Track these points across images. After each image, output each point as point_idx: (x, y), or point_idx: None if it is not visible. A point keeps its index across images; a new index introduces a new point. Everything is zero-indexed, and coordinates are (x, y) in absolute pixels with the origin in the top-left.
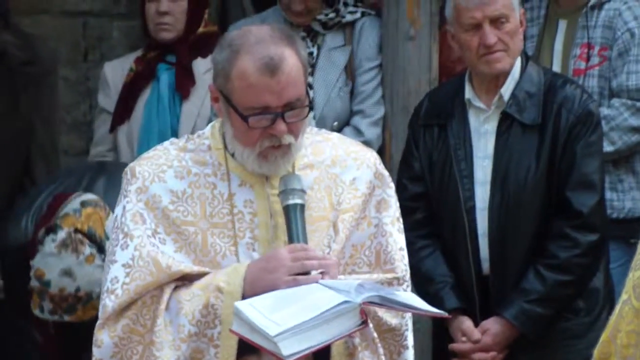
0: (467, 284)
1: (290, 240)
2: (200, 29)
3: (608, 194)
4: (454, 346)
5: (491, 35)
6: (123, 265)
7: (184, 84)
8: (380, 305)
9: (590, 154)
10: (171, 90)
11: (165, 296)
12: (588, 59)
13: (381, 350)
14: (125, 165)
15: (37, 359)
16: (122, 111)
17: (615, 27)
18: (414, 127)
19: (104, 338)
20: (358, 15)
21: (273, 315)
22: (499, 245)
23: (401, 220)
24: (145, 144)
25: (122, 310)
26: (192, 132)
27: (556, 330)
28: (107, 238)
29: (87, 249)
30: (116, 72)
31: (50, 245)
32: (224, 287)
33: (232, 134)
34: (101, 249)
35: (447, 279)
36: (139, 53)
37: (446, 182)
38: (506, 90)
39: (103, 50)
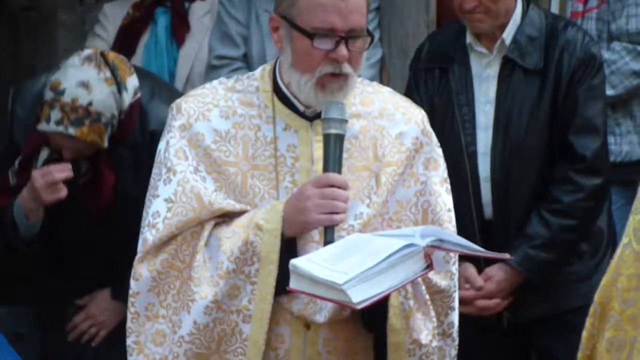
0: (470, 229)
1: (325, 169)
2: None
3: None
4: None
5: (469, 0)
6: (165, 200)
7: (178, 30)
8: (442, 248)
9: (592, 97)
10: (168, 33)
11: (206, 233)
12: (586, 2)
13: (432, 313)
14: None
15: None
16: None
17: None
18: (414, 70)
19: (142, 271)
20: None
21: (336, 265)
22: (502, 189)
23: (448, 181)
24: None
25: (162, 244)
26: (190, 76)
27: (561, 275)
28: (125, 88)
29: (108, 72)
30: (115, 13)
31: (74, 59)
32: (263, 224)
33: (291, 61)
34: (119, 87)
35: None
36: None
37: (448, 126)
38: (508, 34)
39: None
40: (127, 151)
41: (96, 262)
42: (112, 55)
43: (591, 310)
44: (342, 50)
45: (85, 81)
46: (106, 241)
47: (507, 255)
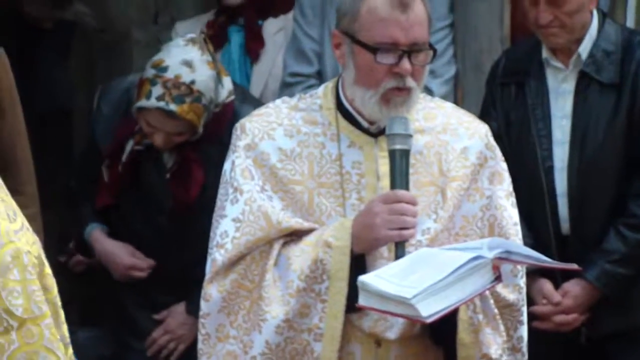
0: (546, 245)
1: (392, 185)
2: None
3: None
4: (535, 309)
5: (545, 14)
6: (233, 220)
7: (253, 47)
8: (510, 260)
9: None
10: (242, 51)
11: (274, 252)
12: None
13: (502, 327)
14: None
15: None
16: None
17: None
18: (491, 86)
19: (212, 292)
20: None
21: (404, 281)
22: (579, 204)
23: (514, 195)
24: None
25: (231, 264)
26: (263, 92)
27: (637, 290)
28: (223, 84)
29: (211, 57)
30: (188, 32)
31: (178, 40)
32: (333, 242)
33: (354, 78)
34: (219, 78)
35: (525, 240)
36: (210, 17)
37: (524, 141)
38: (584, 49)
39: (172, 12)
40: (216, 151)
41: (172, 271)
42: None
43: None
44: (405, 64)
45: (189, 60)
46: (184, 245)
47: (575, 266)
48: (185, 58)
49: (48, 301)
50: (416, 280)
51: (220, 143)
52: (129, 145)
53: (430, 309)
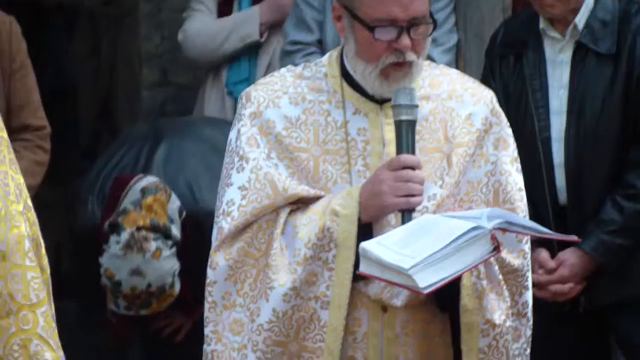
0: (544, 215)
1: (398, 153)
2: None
3: None
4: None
5: None
6: (239, 188)
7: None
8: (509, 231)
9: None
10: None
11: (281, 220)
12: None
13: (506, 293)
14: (182, 124)
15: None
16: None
17: None
18: (490, 57)
19: (219, 260)
20: None
21: (404, 250)
22: (576, 175)
23: (519, 160)
24: (235, 70)
25: (238, 232)
26: (272, 59)
27: (637, 260)
28: (172, 221)
29: (153, 245)
30: None
31: (115, 247)
32: (340, 210)
33: (355, 51)
34: (167, 236)
35: None
36: None
37: (522, 112)
38: (580, 19)
39: None
40: (194, 257)
41: None
42: (146, 206)
43: None
44: (405, 40)
45: (136, 269)
46: None
47: (575, 237)
48: (132, 268)
49: (43, 282)
50: (415, 250)
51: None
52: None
53: (427, 280)
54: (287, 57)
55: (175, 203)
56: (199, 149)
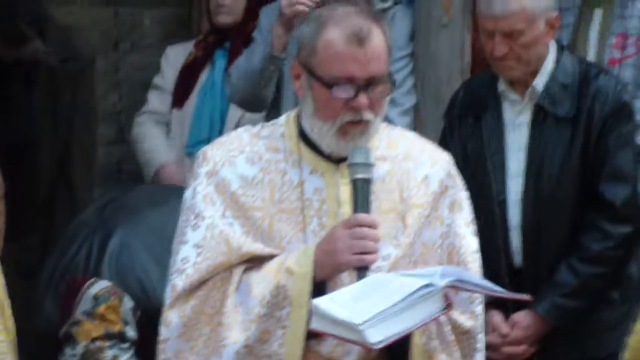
0: (500, 277)
1: (355, 211)
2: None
3: None
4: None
5: (500, 47)
6: (194, 246)
7: None
8: (462, 289)
9: (622, 145)
10: (224, 75)
11: (236, 277)
12: (624, 49)
13: (457, 354)
14: (124, 193)
15: None
16: (179, 95)
17: None
18: (449, 117)
19: (172, 318)
20: (390, 3)
21: (356, 306)
22: (532, 238)
23: (474, 223)
24: (196, 128)
25: (192, 290)
26: (240, 120)
27: (590, 322)
28: (127, 323)
29: (109, 353)
30: (177, 56)
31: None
32: (295, 268)
33: (312, 109)
34: (123, 339)
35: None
36: (199, 37)
37: (480, 174)
38: (539, 82)
39: (133, 39)
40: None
41: None
42: (99, 315)
43: (626, 355)
44: (362, 98)
45: None
46: None
47: (527, 297)
48: None
49: (9, 343)
50: (367, 306)
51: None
52: None
53: (378, 336)
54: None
55: (128, 304)
56: (147, 241)
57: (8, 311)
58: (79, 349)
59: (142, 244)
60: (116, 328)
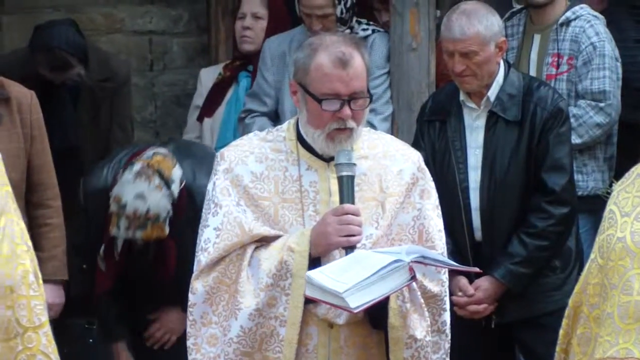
0: (463, 250)
1: (341, 203)
2: None
3: (575, 176)
4: (453, 299)
5: (459, 65)
6: (214, 229)
7: None
8: (424, 263)
9: (560, 142)
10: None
11: (248, 254)
12: (558, 66)
13: (427, 314)
14: (204, 147)
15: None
16: (209, 106)
17: (580, 41)
18: (420, 122)
19: (198, 287)
20: (369, 32)
21: (340, 277)
22: (489, 217)
23: (440, 207)
24: (223, 134)
25: (213, 265)
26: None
27: (537, 285)
28: (172, 181)
29: (157, 180)
30: (208, 76)
31: (127, 175)
32: (295, 247)
33: (306, 119)
34: (167, 185)
35: (447, 246)
36: (228, 61)
37: (445, 167)
38: (492, 93)
39: (165, 61)
40: (184, 224)
41: (167, 298)
42: (156, 159)
43: (566, 312)
44: (346, 110)
45: (140, 193)
46: (173, 286)
47: (477, 269)
48: (137, 192)
49: (45, 307)
50: (349, 278)
51: (187, 220)
52: (120, 241)
53: (357, 302)
54: (239, 122)
55: (178, 171)
56: (203, 157)
57: (40, 280)
58: (137, 166)
59: (199, 152)
60: (166, 172)
